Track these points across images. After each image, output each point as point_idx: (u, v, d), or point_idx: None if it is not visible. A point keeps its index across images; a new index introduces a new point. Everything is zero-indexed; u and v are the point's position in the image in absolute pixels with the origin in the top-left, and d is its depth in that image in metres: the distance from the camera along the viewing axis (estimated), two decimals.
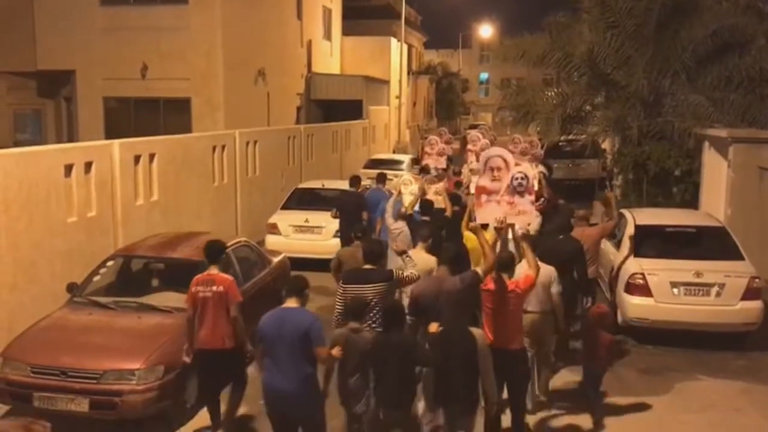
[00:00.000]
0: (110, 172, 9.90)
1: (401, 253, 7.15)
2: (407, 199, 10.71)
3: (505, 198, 7.15)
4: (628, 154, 16.38)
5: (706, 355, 9.24)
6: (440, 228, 8.05)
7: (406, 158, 23.89)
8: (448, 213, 10.07)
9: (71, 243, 8.99)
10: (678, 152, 15.46)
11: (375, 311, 6.30)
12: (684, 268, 9.33)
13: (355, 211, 11.46)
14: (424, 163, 17.30)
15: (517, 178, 7.15)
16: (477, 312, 6.48)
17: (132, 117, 19.86)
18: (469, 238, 8.20)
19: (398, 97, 36.85)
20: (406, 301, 6.90)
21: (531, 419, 7.13)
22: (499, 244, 7.26)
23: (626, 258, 9.85)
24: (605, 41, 16.81)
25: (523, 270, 6.65)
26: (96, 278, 8.29)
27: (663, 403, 7.88)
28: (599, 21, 17.31)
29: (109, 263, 8.55)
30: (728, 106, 15.70)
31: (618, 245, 10.39)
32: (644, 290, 9.31)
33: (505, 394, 6.45)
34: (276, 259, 10.24)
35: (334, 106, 28.17)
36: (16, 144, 18.79)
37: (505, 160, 7.24)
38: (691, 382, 8.48)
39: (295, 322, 5.46)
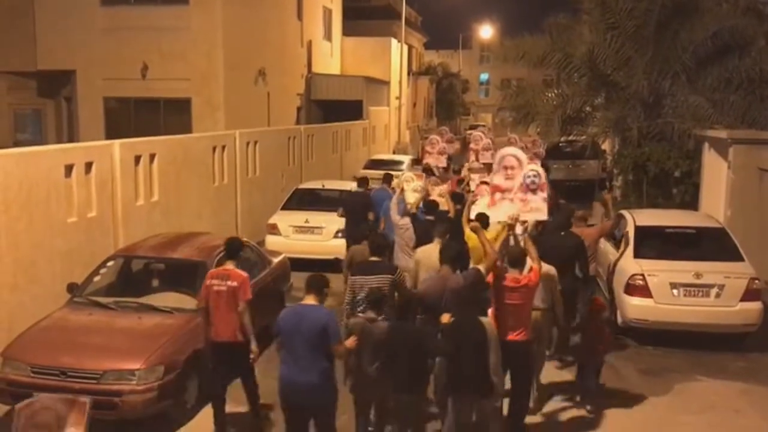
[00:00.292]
0: (110, 173, 9.90)
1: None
2: (411, 197, 10.96)
3: (518, 195, 7.39)
4: (628, 155, 16.40)
5: (706, 356, 9.24)
6: (448, 229, 8.36)
7: (406, 159, 23.91)
8: (451, 214, 10.20)
9: (71, 243, 8.99)
10: (678, 153, 15.48)
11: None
12: (684, 269, 9.33)
13: (362, 211, 11.73)
14: (425, 162, 17.43)
15: (529, 176, 7.42)
16: (483, 307, 6.61)
17: (132, 117, 19.85)
18: (470, 237, 8.35)
19: (398, 97, 36.86)
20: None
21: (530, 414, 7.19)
22: (511, 239, 7.46)
23: (621, 255, 9.99)
24: (605, 42, 16.83)
25: (528, 264, 6.82)
26: (96, 278, 8.29)
27: (663, 404, 7.89)
28: (599, 22, 17.34)
29: (110, 263, 8.55)
30: (728, 107, 15.73)
31: (618, 246, 10.40)
32: (644, 291, 9.32)
33: (507, 384, 6.63)
34: (276, 260, 10.24)
35: (335, 107, 28.16)
36: (17, 144, 18.81)
37: (518, 159, 7.53)
38: (691, 383, 8.49)
39: (313, 319, 5.63)
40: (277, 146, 16.72)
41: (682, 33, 16.35)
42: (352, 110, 28.20)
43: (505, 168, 7.54)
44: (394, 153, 30.26)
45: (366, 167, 21.50)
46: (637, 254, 9.80)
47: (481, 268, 6.66)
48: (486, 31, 59.13)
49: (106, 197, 9.79)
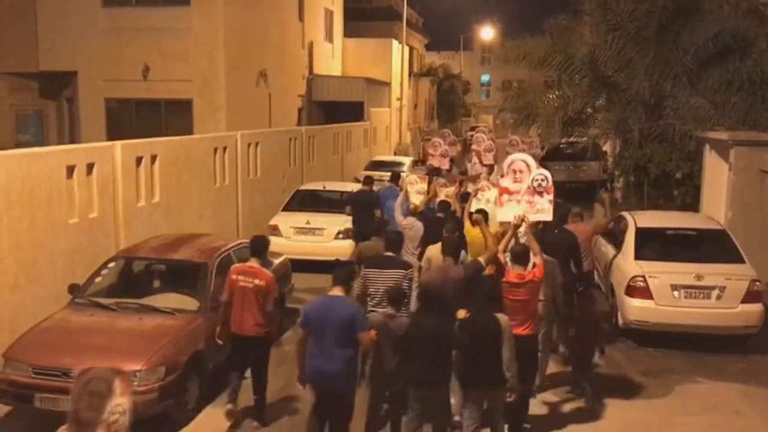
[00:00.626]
0: (112, 174, 9.92)
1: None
2: (415, 198, 11.30)
3: (525, 197, 7.74)
4: (629, 157, 16.40)
5: (707, 357, 9.25)
6: (456, 227, 8.78)
7: (407, 160, 23.92)
8: (458, 214, 10.50)
9: (73, 244, 9.01)
10: (679, 155, 15.48)
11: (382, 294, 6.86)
12: (685, 271, 9.34)
13: (369, 209, 11.92)
14: (428, 164, 17.71)
15: (537, 179, 7.78)
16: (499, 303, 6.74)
17: (134, 118, 19.86)
18: (469, 231, 8.74)
19: (399, 98, 36.86)
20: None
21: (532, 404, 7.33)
22: (513, 239, 7.66)
23: (616, 255, 10.21)
24: (606, 44, 16.84)
25: (531, 260, 7.05)
26: (97, 279, 8.30)
27: (663, 405, 7.89)
28: (600, 23, 17.36)
29: (111, 264, 8.56)
30: (729, 109, 15.73)
31: (618, 246, 10.41)
32: (645, 293, 9.32)
33: None
34: (277, 261, 10.25)
35: (336, 108, 28.16)
36: (18, 145, 18.80)
37: (527, 164, 7.91)
38: (692, 384, 8.49)
39: (341, 310, 5.90)
40: (278, 147, 16.73)
41: (684, 35, 16.35)
42: (353, 111, 28.20)
43: (514, 172, 7.90)
44: (395, 154, 30.26)
45: (367, 168, 21.49)
46: (638, 256, 9.81)
47: (482, 260, 7.00)
48: (487, 33, 59.10)
49: (108, 198, 9.81)
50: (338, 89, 29.31)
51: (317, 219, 13.29)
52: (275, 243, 12.89)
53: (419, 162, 23.11)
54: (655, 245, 10.10)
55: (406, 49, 38.66)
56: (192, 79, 19.23)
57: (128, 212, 10.24)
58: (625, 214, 11.30)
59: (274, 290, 7.09)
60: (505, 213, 7.79)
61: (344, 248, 12.80)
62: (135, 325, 7.41)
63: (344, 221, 13.14)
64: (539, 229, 8.47)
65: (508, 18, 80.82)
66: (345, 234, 13.00)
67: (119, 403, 3.60)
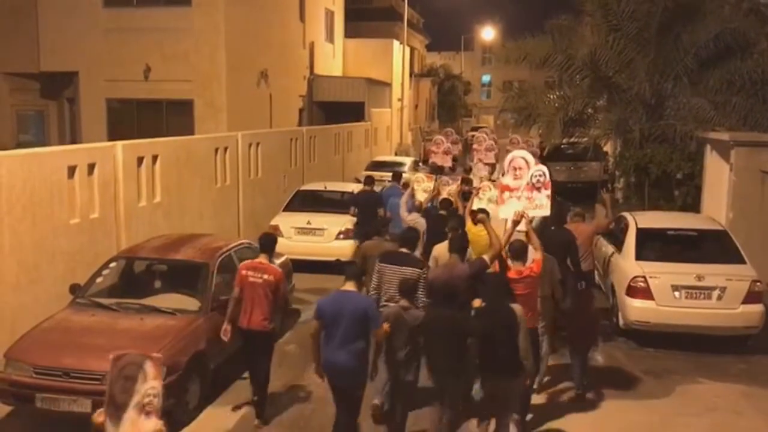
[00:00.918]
0: (113, 174, 9.92)
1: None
2: (421, 196, 11.74)
3: (524, 194, 7.92)
4: (630, 157, 16.39)
5: (708, 358, 9.25)
6: (459, 224, 8.98)
7: (408, 160, 23.92)
8: (461, 211, 10.70)
9: (74, 244, 9.01)
10: (680, 155, 15.48)
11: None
12: (685, 272, 9.34)
13: (372, 208, 12.24)
14: (431, 161, 18.19)
15: (536, 175, 7.97)
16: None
17: (135, 118, 19.87)
18: (470, 230, 8.88)
19: (400, 99, 36.86)
20: None
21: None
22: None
23: (613, 254, 10.39)
24: (607, 44, 16.84)
25: (531, 255, 7.28)
26: (99, 280, 8.30)
27: (664, 406, 7.89)
28: (601, 24, 17.35)
29: (112, 265, 8.57)
30: (730, 109, 15.73)
31: (619, 246, 10.41)
32: (646, 293, 9.33)
33: None
34: (278, 261, 10.23)
35: (337, 108, 28.16)
36: (19, 145, 18.82)
37: (526, 160, 8.09)
38: (693, 385, 8.49)
39: (355, 304, 6.12)
40: (279, 148, 16.74)
41: (684, 35, 16.34)
42: (354, 112, 28.20)
43: (514, 169, 8.09)
44: (395, 155, 30.27)
45: (368, 169, 21.50)
46: (639, 256, 9.81)
47: (486, 257, 7.21)
48: (488, 33, 59.10)
49: (109, 198, 9.81)
50: (339, 90, 29.31)
51: (318, 219, 13.29)
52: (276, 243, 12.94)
53: (425, 161, 23.17)
54: (656, 246, 10.11)
55: (407, 50, 38.66)
56: (193, 79, 19.26)
57: (129, 212, 10.24)
58: (626, 214, 11.30)
59: (283, 285, 7.31)
60: (507, 210, 7.96)
61: (345, 248, 12.82)
62: (136, 325, 7.42)
63: (345, 222, 13.15)
64: (537, 227, 8.62)
65: (509, 18, 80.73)
66: (346, 234, 13.01)
67: (153, 386, 3.98)
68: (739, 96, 15.90)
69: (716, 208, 13.30)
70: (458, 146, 21.54)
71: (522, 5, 68.50)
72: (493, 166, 19.12)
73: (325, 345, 6.15)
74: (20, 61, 20.14)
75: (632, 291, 9.44)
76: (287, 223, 13.34)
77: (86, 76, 20.06)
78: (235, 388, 8.05)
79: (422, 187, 11.91)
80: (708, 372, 8.83)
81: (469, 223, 9.36)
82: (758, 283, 9.24)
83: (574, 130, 18.35)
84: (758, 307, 9.21)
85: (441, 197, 11.33)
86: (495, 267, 7.13)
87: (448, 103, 52.89)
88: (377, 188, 13.72)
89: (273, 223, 13.44)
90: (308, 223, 13.22)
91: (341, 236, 13.01)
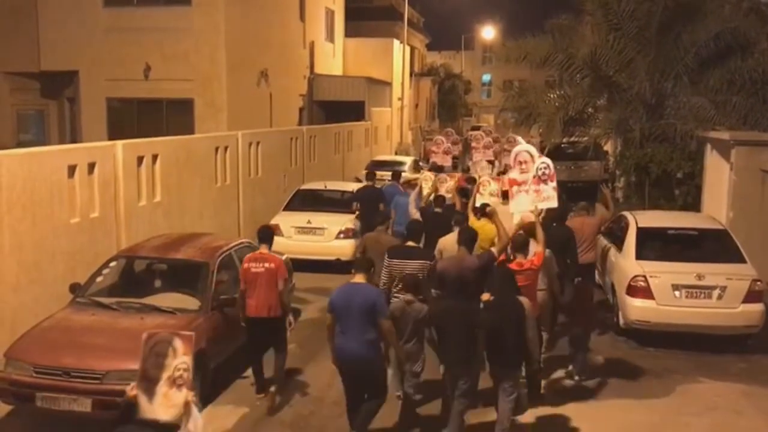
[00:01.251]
0: (113, 173, 9.93)
1: None
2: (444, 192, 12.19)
3: (532, 187, 8.20)
4: (631, 157, 16.38)
5: (708, 357, 9.25)
6: (464, 218, 9.33)
7: (408, 160, 23.90)
8: (458, 207, 10.95)
9: (74, 244, 9.02)
10: (680, 155, 15.46)
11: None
12: (686, 271, 9.34)
13: (374, 203, 12.65)
14: (432, 161, 18.48)
15: (541, 168, 8.25)
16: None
17: (135, 118, 19.88)
18: (473, 224, 9.09)
19: (400, 98, 36.85)
20: None
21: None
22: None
23: (609, 249, 10.66)
24: (608, 44, 16.81)
25: (533, 248, 7.62)
26: (99, 279, 8.31)
27: (664, 405, 7.90)
28: (602, 23, 17.32)
29: (112, 264, 8.57)
30: (731, 108, 15.70)
31: (619, 245, 10.41)
32: (646, 293, 9.33)
33: None
34: None
35: (337, 108, 28.16)
36: (20, 144, 18.83)
37: (530, 154, 8.41)
38: (693, 384, 8.49)
39: (364, 296, 6.39)
40: (279, 147, 16.74)
41: (685, 34, 16.32)
42: (354, 111, 28.20)
43: (520, 163, 8.37)
44: (396, 154, 30.27)
45: (368, 168, 21.47)
46: (639, 256, 9.81)
47: (494, 250, 7.82)
48: (488, 32, 59.02)
49: (109, 198, 9.82)
50: (339, 89, 29.31)
51: (318, 218, 13.29)
52: (276, 242, 12.90)
53: (426, 160, 23.23)
54: (657, 245, 10.12)
55: (407, 49, 38.64)
56: (193, 78, 19.26)
57: (129, 212, 10.24)
58: (627, 213, 11.31)
59: (284, 271, 7.61)
60: (518, 204, 8.22)
61: (345, 248, 12.83)
62: (136, 324, 7.39)
63: (345, 221, 13.15)
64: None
65: (510, 18, 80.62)
66: (346, 234, 13.02)
67: (183, 361, 4.31)
68: (739, 95, 15.87)
69: (716, 207, 13.29)
70: (458, 146, 21.65)
71: (522, 4, 68.58)
72: (491, 163, 19.19)
73: (339, 335, 6.43)
74: (20, 61, 20.14)
75: (632, 290, 9.43)
76: (287, 222, 13.33)
77: (86, 75, 20.07)
78: (234, 387, 8.06)
79: (430, 185, 12.23)
80: (708, 371, 8.83)
81: (471, 218, 9.58)
82: (758, 283, 9.23)
83: (574, 130, 18.33)
84: (758, 307, 9.21)
85: (436, 194, 11.49)
86: (503, 257, 7.54)
87: (448, 103, 52.85)
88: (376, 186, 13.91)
89: (273, 222, 13.41)
90: (308, 222, 13.22)
91: (341, 235, 13.01)
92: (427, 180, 12.51)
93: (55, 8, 19.81)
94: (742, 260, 9.63)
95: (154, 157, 10.95)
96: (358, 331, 6.32)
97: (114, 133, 17.98)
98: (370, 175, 13.93)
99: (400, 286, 7.29)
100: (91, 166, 9.41)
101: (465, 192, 11.69)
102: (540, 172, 8.24)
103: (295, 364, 8.63)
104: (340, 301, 6.46)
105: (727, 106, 15.72)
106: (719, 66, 16.24)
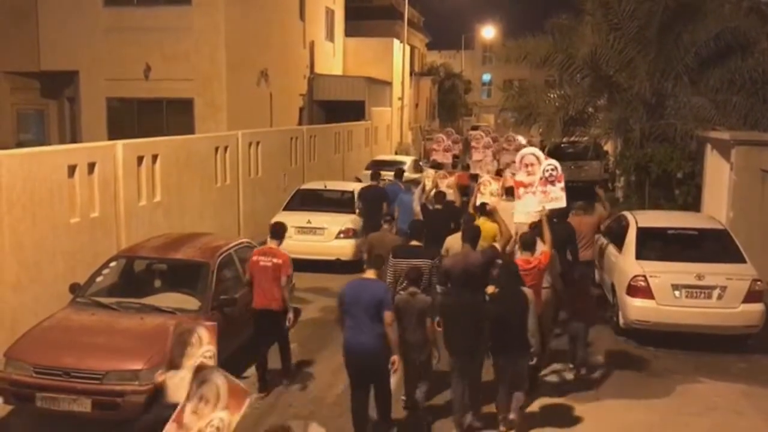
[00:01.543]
0: (113, 173, 9.93)
1: None
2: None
3: (539, 188, 8.39)
4: (631, 157, 16.39)
5: (708, 357, 9.25)
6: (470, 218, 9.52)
7: (408, 159, 23.88)
8: (458, 203, 11.21)
9: (74, 243, 9.01)
10: (680, 155, 15.47)
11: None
12: (686, 271, 9.34)
13: (378, 202, 12.78)
14: (432, 159, 18.69)
15: (548, 170, 8.45)
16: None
17: (135, 117, 19.88)
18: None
19: (401, 98, 36.84)
20: None
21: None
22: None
23: (607, 246, 10.79)
24: (608, 43, 16.81)
25: (539, 248, 7.79)
26: (99, 279, 8.30)
27: (664, 405, 7.89)
28: (602, 23, 17.31)
29: (112, 264, 8.56)
30: (731, 108, 15.70)
31: (618, 245, 10.41)
32: (646, 292, 9.32)
33: None
34: None
35: (337, 107, 28.16)
36: (20, 144, 18.81)
37: (536, 156, 8.59)
38: (693, 384, 8.49)
39: (373, 290, 6.65)
40: (279, 147, 16.74)
41: (685, 34, 16.32)
42: (354, 111, 28.20)
43: (526, 165, 8.54)
44: (396, 154, 30.26)
45: (368, 168, 21.49)
46: (639, 255, 9.81)
47: (497, 245, 8.08)
48: (488, 32, 59.01)
49: (109, 198, 9.82)
50: (339, 88, 29.30)
51: (318, 218, 13.28)
52: None
53: (427, 160, 23.27)
54: (657, 245, 10.11)
55: (408, 49, 38.63)
56: (193, 78, 19.25)
57: (129, 212, 10.24)
58: (627, 213, 11.31)
59: (289, 267, 7.92)
60: (525, 205, 8.38)
61: (345, 248, 12.83)
62: (136, 324, 7.41)
63: (345, 221, 13.16)
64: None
65: (510, 17, 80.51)
66: (346, 234, 13.02)
67: (208, 349, 4.57)
68: (739, 95, 15.87)
69: (716, 207, 13.29)
70: (458, 145, 21.71)
71: (522, 4, 68.60)
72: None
73: (348, 328, 6.67)
74: (21, 61, 20.13)
75: (632, 290, 9.43)
76: (287, 222, 13.22)
77: (87, 75, 20.06)
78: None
79: (446, 183, 12.37)
80: (708, 371, 8.83)
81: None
82: (758, 283, 9.23)
83: (574, 129, 18.34)
84: (758, 307, 9.21)
85: (436, 190, 11.55)
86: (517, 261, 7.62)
87: (448, 102, 52.84)
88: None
89: (273, 222, 13.41)
90: (308, 222, 13.21)
91: (341, 235, 13.01)
92: (429, 177, 12.63)
93: (55, 8, 19.80)
94: (742, 260, 9.62)
95: (154, 157, 10.95)
96: (368, 325, 6.54)
97: (114, 133, 17.99)
98: (375, 175, 14.13)
99: (405, 284, 7.37)
100: (91, 166, 9.41)
101: (466, 190, 11.80)
102: (547, 174, 8.45)
103: (295, 364, 8.63)
104: (350, 294, 6.68)
105: (727, 106, 15.72)
106: (719, 66, 16.24)
